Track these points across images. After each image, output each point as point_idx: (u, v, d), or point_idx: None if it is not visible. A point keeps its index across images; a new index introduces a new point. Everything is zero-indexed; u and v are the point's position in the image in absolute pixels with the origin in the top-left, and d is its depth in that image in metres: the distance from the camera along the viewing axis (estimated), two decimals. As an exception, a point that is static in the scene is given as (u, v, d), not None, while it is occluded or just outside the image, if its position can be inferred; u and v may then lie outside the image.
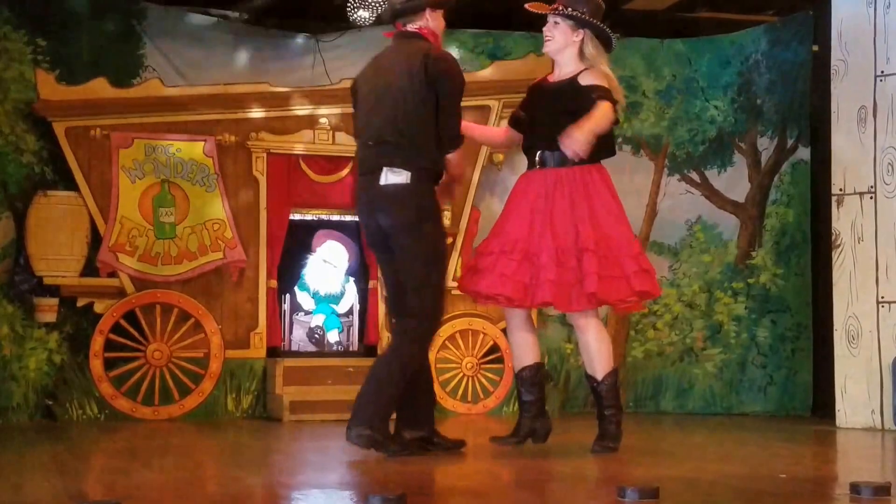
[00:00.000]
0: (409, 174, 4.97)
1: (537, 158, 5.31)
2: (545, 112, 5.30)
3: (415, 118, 5.00)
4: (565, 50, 5.31)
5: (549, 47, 5.35)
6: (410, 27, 5.14)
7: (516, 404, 7.71)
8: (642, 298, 5.42)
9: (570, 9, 5.26)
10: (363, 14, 7.51)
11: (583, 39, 5.28)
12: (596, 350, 5.25)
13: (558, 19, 5.28)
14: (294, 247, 7.65)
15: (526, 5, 5.35)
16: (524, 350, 5.39)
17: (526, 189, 5.33)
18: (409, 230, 5.01)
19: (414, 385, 5.10)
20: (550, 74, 5.45)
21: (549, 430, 5.44)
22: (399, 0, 5.15)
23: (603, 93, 5.14)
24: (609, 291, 5.15)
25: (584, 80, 5.22)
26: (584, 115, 5.04)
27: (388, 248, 5.11)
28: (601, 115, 5.07)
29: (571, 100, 5.19)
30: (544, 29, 5.35)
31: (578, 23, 5.26)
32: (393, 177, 4.97)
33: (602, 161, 5.35)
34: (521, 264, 5.19)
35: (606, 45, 5.35)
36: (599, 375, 5.24)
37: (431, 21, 5.15)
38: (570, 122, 5.04)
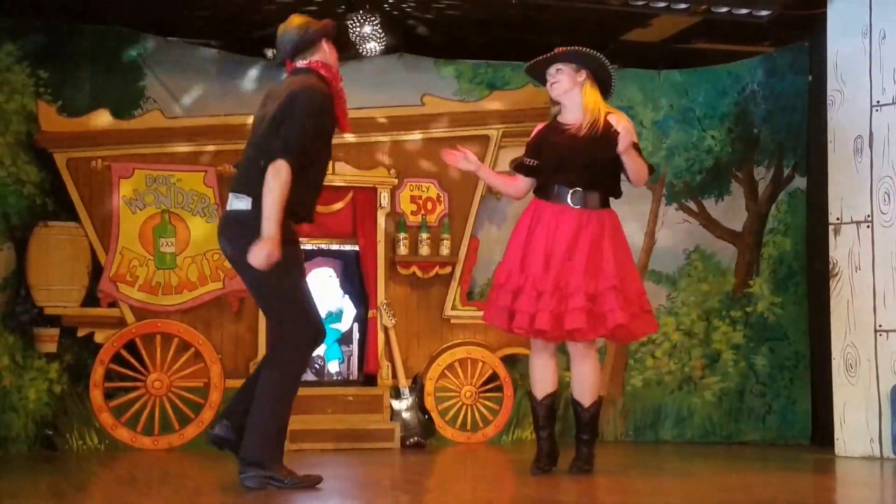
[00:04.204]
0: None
1: (573, 197, 5.52)
2: (580, 154, 5.53)
3: None
4: (570, 92, 5.62)
5: (556, 90, 5.64)
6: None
7: (516, 433, 7.79)
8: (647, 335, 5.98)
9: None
10: (369, 45, 7.55)
11: (585, 79, 5.62)
12: (593, 379, 5.65)
13: (560, 66, 5.61)
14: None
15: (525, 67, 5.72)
16: (548, 376, 5.71)
17: (556, 223, 5.51)
18: None
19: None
20: (556, 119, 5.71)
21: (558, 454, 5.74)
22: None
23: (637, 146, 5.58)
24: (637, 326, 5.57)
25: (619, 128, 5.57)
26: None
27: None
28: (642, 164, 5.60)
29: (606, 147, 5.51)
30: (548, 75, 5.65)
31: (580, 64, 5.60)
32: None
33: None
34: (551, 296, 5.43)
35: (605, 91, 5.69)
36: (587, 402, 5.63)
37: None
38: (609, 167, 5.54)
